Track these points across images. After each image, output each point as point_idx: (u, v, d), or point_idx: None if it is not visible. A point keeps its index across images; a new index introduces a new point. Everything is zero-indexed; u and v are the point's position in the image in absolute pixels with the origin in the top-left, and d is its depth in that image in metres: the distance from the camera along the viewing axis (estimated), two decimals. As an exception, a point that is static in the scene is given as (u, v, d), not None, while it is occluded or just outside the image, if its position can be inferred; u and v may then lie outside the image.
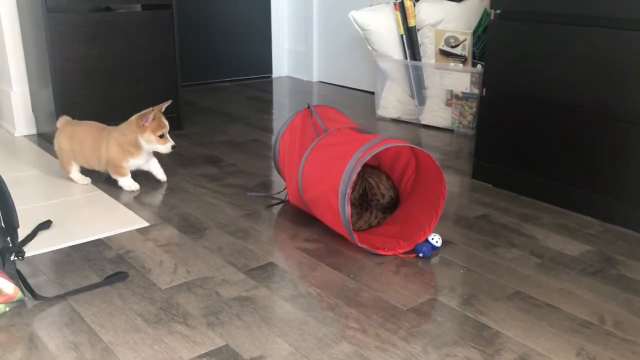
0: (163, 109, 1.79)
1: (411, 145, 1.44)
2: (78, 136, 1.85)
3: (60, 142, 1.87)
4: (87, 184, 1.88)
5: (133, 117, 1.79)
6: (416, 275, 1.36)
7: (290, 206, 1.74)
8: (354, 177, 1.36)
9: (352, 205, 1.55)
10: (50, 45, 2.14)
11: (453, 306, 1.23)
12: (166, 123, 1.78)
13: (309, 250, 1.47)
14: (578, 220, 1.67)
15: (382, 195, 1.58)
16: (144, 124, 1.75)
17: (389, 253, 1.45)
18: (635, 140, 1.55)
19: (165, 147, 1.79)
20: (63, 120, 1.90)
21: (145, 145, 1.78)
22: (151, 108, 1.76)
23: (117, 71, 2.32)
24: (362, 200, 1.57)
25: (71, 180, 1.90)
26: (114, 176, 1.83)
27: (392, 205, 1.61)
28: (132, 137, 1.77)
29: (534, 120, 1.76)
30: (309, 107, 1.69)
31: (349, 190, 1.36)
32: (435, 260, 1.43)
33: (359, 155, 1.38)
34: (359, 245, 1.43)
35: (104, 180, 1.90)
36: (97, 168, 1.86)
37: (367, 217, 1.57)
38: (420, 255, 1.44)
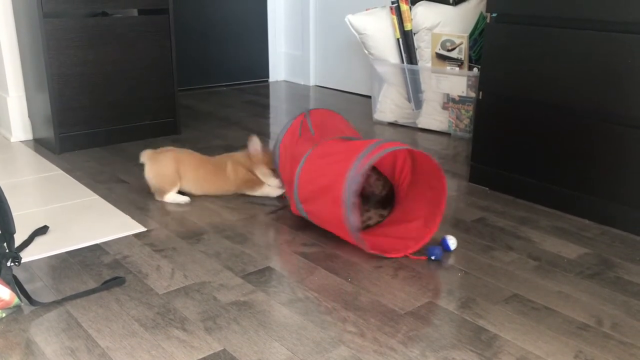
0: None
1: (407, 147, 1.43)
2: (189, 164, 1.82)
3: (161, 168, 1.78)
4: (187, 202, 1.80)
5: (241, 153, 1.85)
6: (414, 278, 1.36)
7: (288, 210, 1.74)
8: (354, 187, 1.35)
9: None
10: (46, 50, 2.14)
11: (451, 309, 1.23)
12: None
13: (307, 255, 1.47)
14: (575, 223, 1.67)
15: (376, 188, 1.59)
16: (252, 153, 1.80)
17: (400, 255, 1.44)
18: (632, 142, 1.55)
19: (275, 188, 1.83)
20: (148, 153, 1.81)
21: (261, 177, 1.82)
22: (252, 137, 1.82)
23: (113, 76, 2.32)
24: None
25: (165, 201, 1.80)
26: (256, 193, 1.84)
27: (388, 200, 1.61)
28: (250, 169, 1.83)
29: (531, 123, 1.76)
30: (305, 113, 1.68)
31: (351, 200, 1.35)
32: (432, 263, 1.43)
33: (357, 163, 1.38)
34: (370, 252, 1.42)
35: (102, 185, 1.90)
36: (215, 192, 1.85)
37: (365, 218, 1.57)
38: (432, 258, 1.43)
